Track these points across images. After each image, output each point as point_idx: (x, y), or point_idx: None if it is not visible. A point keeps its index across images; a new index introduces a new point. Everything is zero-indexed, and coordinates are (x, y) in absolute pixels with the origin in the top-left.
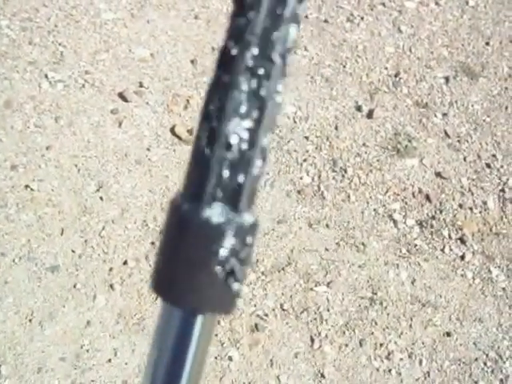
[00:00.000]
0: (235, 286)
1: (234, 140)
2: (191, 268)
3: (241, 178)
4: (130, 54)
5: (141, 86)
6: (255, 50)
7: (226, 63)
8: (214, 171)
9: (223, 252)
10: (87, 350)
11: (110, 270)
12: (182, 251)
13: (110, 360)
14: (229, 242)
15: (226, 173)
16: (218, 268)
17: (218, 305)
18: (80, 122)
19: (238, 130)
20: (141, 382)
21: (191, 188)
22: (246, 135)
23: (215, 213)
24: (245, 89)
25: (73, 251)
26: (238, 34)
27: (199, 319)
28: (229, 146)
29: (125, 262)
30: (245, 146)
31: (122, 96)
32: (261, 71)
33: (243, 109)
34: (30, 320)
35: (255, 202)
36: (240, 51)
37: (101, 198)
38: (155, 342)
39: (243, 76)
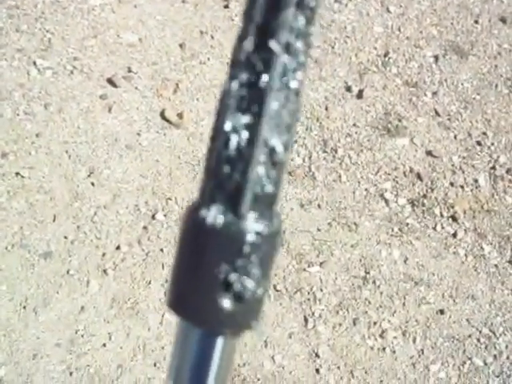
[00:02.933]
0: (227, 301)
1: (232, 136)
2: (192, 277)
3: (239, 178)
4: (118, 39)
5: (129, 71)
6: (253, 39)
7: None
8: (213, 170)
9: (216, 259)
10: (82, 335)
11: (103, 255)
12: (184, 257)
13: (104, 344)
14: (223, 247)
15: (224, 172)
16: (211, 278)
17: (207, 322)
18: (69, 108)
19: (236, 126)
20: None
21: (199, 190)
22: (245, 131)
23: (212, 214)
24: (242, 81)
25: (65, 237)
26: (242, 23)
27: (203, 336)
28: (227, 143)
29: (117, 247)
30: (243, 143)
31: (110, 81)
32: (258, 62)
33: (243, 103)
34: (25, 307)
35: (271, 210)
36: (238, 40)
37: (92, 184)
38: (174, 358)
39: (240, 67)
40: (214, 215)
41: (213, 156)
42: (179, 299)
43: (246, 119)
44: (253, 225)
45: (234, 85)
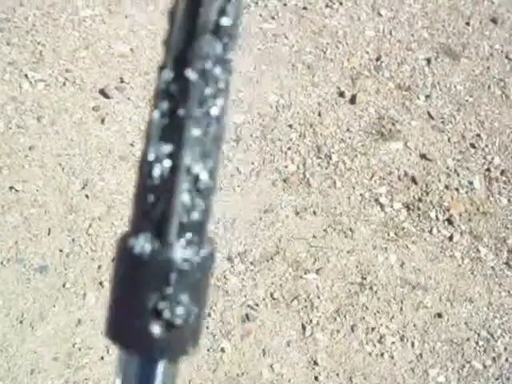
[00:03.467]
0: (157, 328)
1: (155, 166)
2: (125, 305)
3: (164, 207)
4: (110, 49)
5: (122, 81)
6: (170, 68)
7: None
8: (139, 199)
9: (145, 287)
10: (79, 349)
11: (99, 267)
12: (117, 286)
13: (102, 358)
14: (151, 276)
15: (149, 201)
16: (142, 306)
17: (142, 349)
18: (62, 120)
19: (159, 155)
20: None
21: (129, 219)
22: (167, 160)
23: (139, 243)
24: (163, 110)
25: (60, 250)
26: (162, 52)
27: (140, 362)
28: (150, 173)
29: (113, 259)
30: (166, 172)
31: (103, 92)
32: (175, 91)
33: (165, 132)
34: (21, 321)
35: (200, 236)
36: (158, 70)
37: (86, 196)
38: None
39: (160, 96)
40: (142, 244)
41: (139, 186)
42: (115, 328)
43: (168, 148)
44: (180, 252)
45: (156, 114)
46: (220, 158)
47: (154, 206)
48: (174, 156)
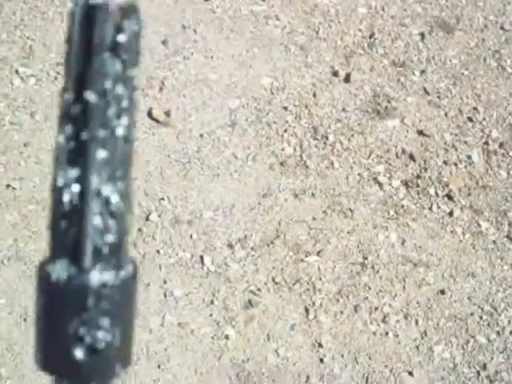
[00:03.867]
0: (81, 353)
1: (64, 191)
2: (48, 332)
3: (76, 232)
4: None
5: None
6: (71, 91)
7: None
8: (53, 226)
9: (65, 314)
10: None
11: None
12: (40, 312)
13: None
14: (69, 302)
15: (62, 227)
16: (64, 332)
17: (69, 375)
18: (56, 115)
19: (67, 180)
20: None
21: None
22: (76, 185)
23: (56, 269)
24: (68, 134)
25: None
26: (64, 74)
27: None
28: (60, 199)
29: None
30: (76, 197)
31: None
32: (77, 114)
33: (72, 156)
34: (25, 319)
35: (118, 258)
36: (61, 93)
37: None
38: None
39: (63, 120)
40: (59, 271)
41: (52, 212)
42: (42, 356)
43: (75, 172)
44: (97, 276)
45: (61, 138)
46: (131, 178)
47: (66, 231)
48: (82, 180)
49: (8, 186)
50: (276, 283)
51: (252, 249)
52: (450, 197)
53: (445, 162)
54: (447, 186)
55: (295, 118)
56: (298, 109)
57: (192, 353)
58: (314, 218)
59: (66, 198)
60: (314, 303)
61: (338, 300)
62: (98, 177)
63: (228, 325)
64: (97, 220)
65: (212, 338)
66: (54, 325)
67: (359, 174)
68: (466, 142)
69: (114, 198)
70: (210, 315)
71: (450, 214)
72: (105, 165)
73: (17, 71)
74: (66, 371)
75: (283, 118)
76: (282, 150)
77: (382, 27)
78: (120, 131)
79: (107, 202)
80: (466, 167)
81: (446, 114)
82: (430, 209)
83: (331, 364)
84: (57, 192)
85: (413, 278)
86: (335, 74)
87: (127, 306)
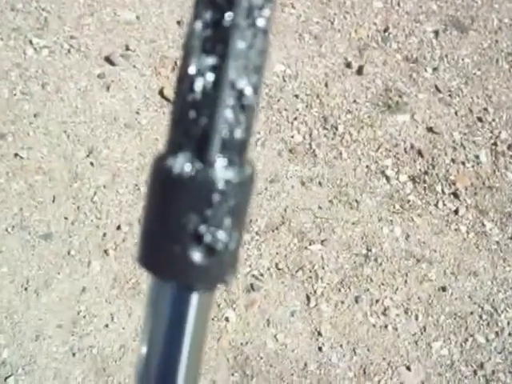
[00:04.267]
0: (197, 254)
1: (197, 79)
2: (161, 230)
3: (206, 123)
4: (116, 17)
5: (127, 49)
6: None
7: None
8: (179, 116)
9: (184, 210)
10: (84, 316)
11: (104, 235)
12: (152, 210)
13: (107, 325)
14: (191, 197)
15: (190, 117)
16: (181, 230)
17: (179, 276)
18: (67, 87)
19: (201, 68)
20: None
21: (167, 139)
22: (210, 74)
23: (179, 163)
24: (206, 20)
25: (65, 218)
26: None
27: (175, 291)
28: (192, 87)
29: (118, 227)
30: (209, 86)
31: (108, 60)
32: (221, 0)
33: (208, 44)
34: (26, 288)
35: (241, 157)
36: None
37: (91, 164)
38: (147, 316)
39: (204, 6)
40: (181, 163)
41: (179, 101)
42: (149, 254)
43: (211, 61)
44: (222, 172)
45: (198, 25)
46: (264, 73)
47: (194, 122)
48: (218, 69)
49: (16, 155)
50: (279, 269)
51: (257, 233)
52: (456, 195)
53: (453, 160)
54: (454, 184)
55: (306, 106)
56: (309, 98)
57: None
58: (319, 207)
59: (198, 86)
60: (315, 291)
61: (339, 290)
62: (235, 68)
63: (229, 307)
64: (228, 113)
65: (212, 319)
66: (170, 221)
67: (367, 166)
68: (474, 142)
69: (248, 92)
70: None
71: (456, 212)
72: (243, 56)
73: (30, 41)
74: (177, 272)
75: (294, 105)
76: (292, 137)
77: (396, 22)
78: (261, 22)
79: (241, 94)
80: (473, 167)
81: (456, 113)
82: (436, 205)
83: (329, 353)
84: (187, 79)
85: (415, 273)
86: (348, 65)
87: (245, 208)
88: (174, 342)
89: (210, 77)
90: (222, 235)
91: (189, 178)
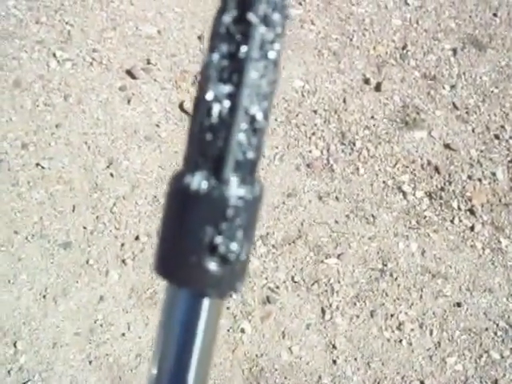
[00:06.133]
0: (212, 263)
1: (214, 105)
2: (178, 241)
3: (221, 144)
4: (137, 31)
5: (148, 62)
6: (233, 12)
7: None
8: (196, 138)
9: (201, 223)
10: (101, 325)
11: (122, 245)
12: (170, 223)
13: (123, 334)
14: (207, 211)
15: (207, 139)
16: (197, 241)
17: (194, 284)
18: (89, 99)
19: (218, 95)
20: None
21: (184, 158)
22: (226, 100)
23: (196, 180)
24: (223, 52)
25: (84, 227)
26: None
27: (190, 298)
28: (209, 112)
29: (136, 238)
30: (225, 111)
31: (130, 73)
32: (237, 33)
33: (224, 73)
34: (44, 296)
35: (252, 176)
36: (218, 13)
37: (111, 175)
38: (162, 321)
39: (221, 39)
40: (198, 181)
41: (196, 124)
42: (166, 263)
43: (227, 89)
44: (235, 190)
45: (215, 56)
46: (272, 100)
47: (211, 144)
48: (234, 97)
49: (37, 164)
50: (295, 282)
51: (273, 246)
52: (472, 211)
53: (469, 177)
54: (470, 200)
55: (324, 121)
56: (327, 113)
57: None
58: (336, 222)
59: (215, 112)
60: (330, 305)
61: (354, 304)
62: (249, 95)
63: (245, 319)
64: (241, 136)
65: (228, 330)
66: (187, 233)
67: (384, 182)
68: (491, 159)
69: (259, 117)
70: (228, 308)
71: (472, 228)
72: (255, 85)
73: (54, 54)
74: (193, 280)
75: (312, 120)
76: (309, 152)
77: (415, 40)
78: (272, 55)
79: (253, 119)
80: (489, 184)
81: (473, 130)
82: (452, 222)
83: (344, 366)
84: (205, 105)
85: (430, 289)
86: (366, 81)
87: (254, 223)
88: (186, 345)
89: (226, 103)
90: (234, 246)
91: (205, 195)
